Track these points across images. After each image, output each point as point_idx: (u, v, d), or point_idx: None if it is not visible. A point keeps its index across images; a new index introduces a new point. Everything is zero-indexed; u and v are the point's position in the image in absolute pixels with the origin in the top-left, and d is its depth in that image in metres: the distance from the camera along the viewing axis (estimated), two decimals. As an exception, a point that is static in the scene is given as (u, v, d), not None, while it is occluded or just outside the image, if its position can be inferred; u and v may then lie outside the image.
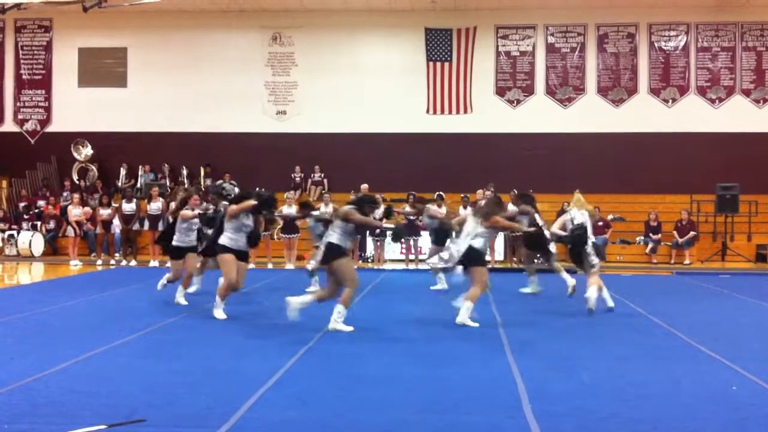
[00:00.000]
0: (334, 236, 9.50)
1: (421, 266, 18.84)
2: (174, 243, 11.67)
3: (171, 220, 12.59)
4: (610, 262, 20.27)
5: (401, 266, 19.35)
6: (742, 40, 24.12)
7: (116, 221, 19.99)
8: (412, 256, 19.62)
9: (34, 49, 25.74)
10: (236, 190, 20.37)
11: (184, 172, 24.18)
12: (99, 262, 19.70)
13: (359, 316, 10.36)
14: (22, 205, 23.26)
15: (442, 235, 14.00)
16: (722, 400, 6.31)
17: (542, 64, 24.50)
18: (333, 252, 9.44)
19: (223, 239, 10.54)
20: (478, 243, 9.86)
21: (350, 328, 9.33)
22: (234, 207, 10.46)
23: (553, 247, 12.99)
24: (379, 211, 15.15)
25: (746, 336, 9.58)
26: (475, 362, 7.71)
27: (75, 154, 24.67)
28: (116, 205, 20.54)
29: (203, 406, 5.93)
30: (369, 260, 20.17)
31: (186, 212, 11.48)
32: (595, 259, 11.07)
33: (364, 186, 20.21)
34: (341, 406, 6.03)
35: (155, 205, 19.44)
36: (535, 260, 14.17)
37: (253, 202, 10.45)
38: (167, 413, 5.76)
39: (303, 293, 10.14)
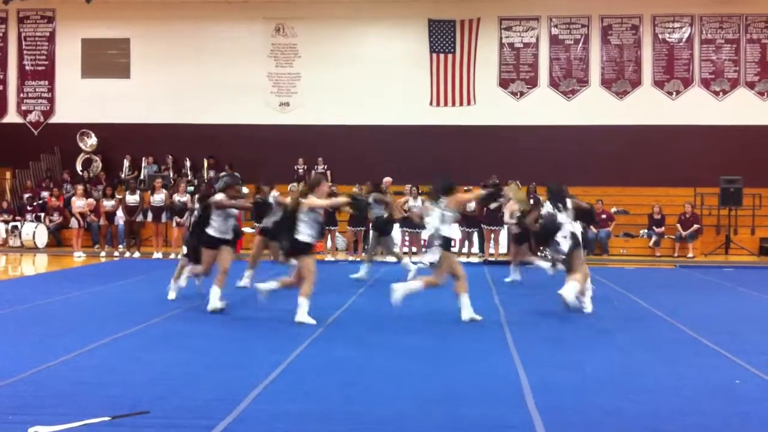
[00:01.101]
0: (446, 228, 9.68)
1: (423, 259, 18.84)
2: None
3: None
4: (614, 255, 20.28)
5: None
6: (747, 32, 24.04)
7: (120, 213, 20.01)
8: (414, 249, 19.57)
9: (37, 40, 25.72)
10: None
11: (188, 163, 24.19)
12: (102, 253, 19.73)
13: (361, 309, 10.37)
14: (26, 196, 23.28)
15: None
16: (725, 394, 6.32)
17: (546, 55, 24.44)
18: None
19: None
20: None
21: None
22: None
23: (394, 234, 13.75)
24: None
25: (750, 329, 9.57)
26: (478, 355, 7.72)
27: (81, 145, 24.67)
28: (120, 196, 20.56)
29: (207, 398, 5.95)
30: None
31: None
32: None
33: (388, 179, 20.04)
34: (344, 398, 6.04)
35: (158, 197, 19.46)
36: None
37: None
38: (171, 405, 5.77)
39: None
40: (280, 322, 9.53)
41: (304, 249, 9.47)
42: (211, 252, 10.51)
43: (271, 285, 9.85)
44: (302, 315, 9.34)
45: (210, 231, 10.46)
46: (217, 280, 10.26)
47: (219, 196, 10.49)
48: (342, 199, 11.10)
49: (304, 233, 9.44)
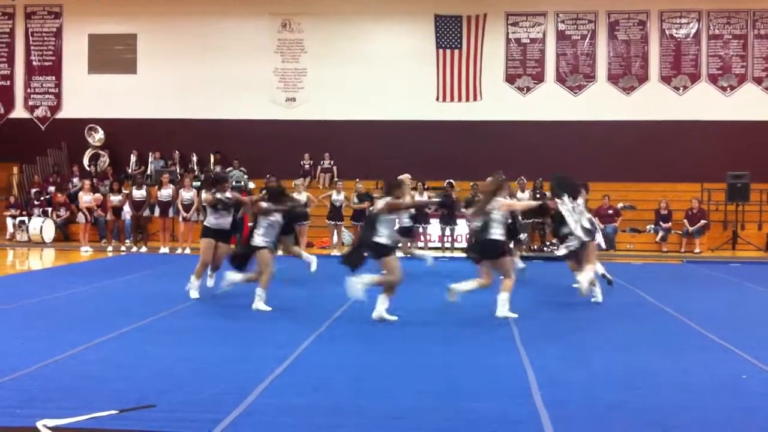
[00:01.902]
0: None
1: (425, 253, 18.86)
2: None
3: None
4: (620, 250, 20.25)
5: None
6: (754, 27, 23.94)
7: (127, 208, 20.04)
8: (421, 244, 19.59)
9: (44, 36, 25.76)
10: (245, 177, 20.60)
11: (194, 158, 24.22)
12: (109, 248, 19.77)
13: (368, 304, 10.36)
14: (33, 191, 23.34)
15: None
16: (732, 389, 6.32)
17: (552, 51, 24.38)
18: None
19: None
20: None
21: None
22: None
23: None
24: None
25: (756, 325, 9.57)
26: (485, 350, 7.73)
27: (88, 140, 24.71)
28: (126, 191, 20.59)
29: (214, 392, 5.96)
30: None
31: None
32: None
33: (406, 175, 20.00)
34: (352, 392, 6.06)
35: (165, 192, 19.48)
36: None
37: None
38: (178, 399, 5.79)
39: (316, 280, 10.13)
40: (287, 316, 9.55)
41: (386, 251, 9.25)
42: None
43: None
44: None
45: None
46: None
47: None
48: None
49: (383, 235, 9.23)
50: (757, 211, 21.32)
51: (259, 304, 9.94)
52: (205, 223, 11.45)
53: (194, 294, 10.91)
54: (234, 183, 19.30)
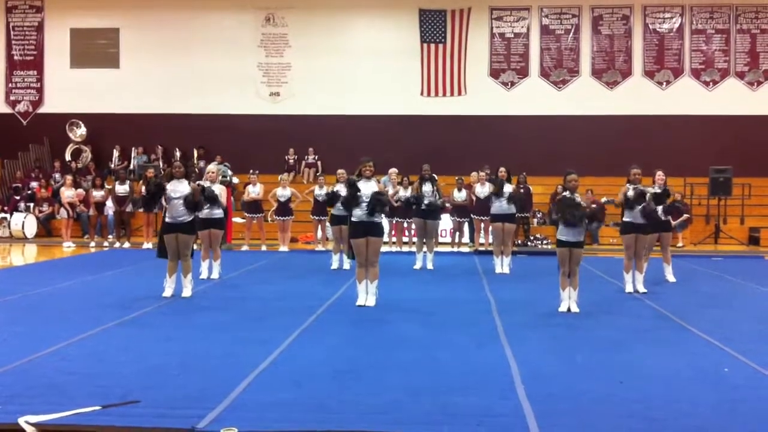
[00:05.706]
0: None
1: (413, 248, 18.85)
2: None
3: None
4: (604, 244, 20.34)
5: (394, 249, 19.29)
6: (737, 22, 24.07)
7: (109, 203, 19.94)
8: (405, 239, 19.59)
9: (25, 30, 25.54)
10: (229, 172, 20.52)
11: (177, 153, 24.07)
12: (92, 243, 19.66)
13: (352, 299, 10.36)
14: (14, 186, 23.16)
15: None
16: (714, 382, 6.36)
17: (536, 46, 24.42)
18: None
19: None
20: None
21: None
22: None
23: None
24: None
25: (738, 318, 9.63)
26: (468, 345, 7.73)
27: (70, 135, 24.53)
28: (109, 186, 20.48)
29: (198, 388, 5.95)
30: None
31: None
32: None
33: (393, 170, 19.93)
34: (335, 387, 6.05)
35: (150, 187, 19.36)
36: None
37: None
38: (161, 395, 5.77)
39: (301, 275, 10.12)
40: (271, 311, 9.54)
41: None
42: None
43: None
44: None
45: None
46: None
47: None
48: None
49: None
50: (740, 206, 21.44)
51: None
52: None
53: (186, 292, 10.68)
54: (220, 177, 19.23)
